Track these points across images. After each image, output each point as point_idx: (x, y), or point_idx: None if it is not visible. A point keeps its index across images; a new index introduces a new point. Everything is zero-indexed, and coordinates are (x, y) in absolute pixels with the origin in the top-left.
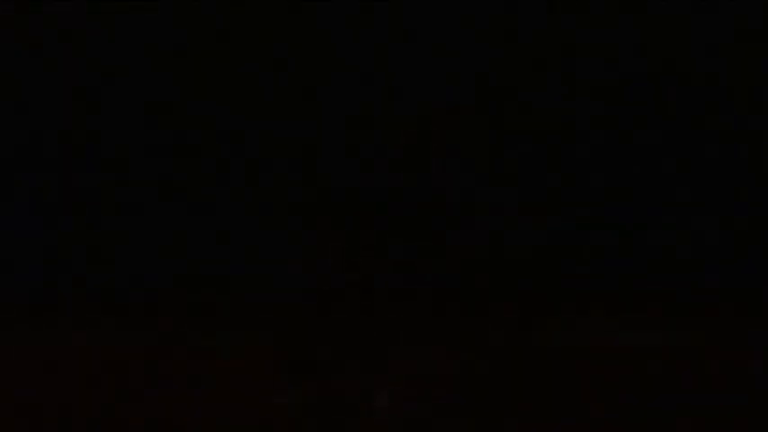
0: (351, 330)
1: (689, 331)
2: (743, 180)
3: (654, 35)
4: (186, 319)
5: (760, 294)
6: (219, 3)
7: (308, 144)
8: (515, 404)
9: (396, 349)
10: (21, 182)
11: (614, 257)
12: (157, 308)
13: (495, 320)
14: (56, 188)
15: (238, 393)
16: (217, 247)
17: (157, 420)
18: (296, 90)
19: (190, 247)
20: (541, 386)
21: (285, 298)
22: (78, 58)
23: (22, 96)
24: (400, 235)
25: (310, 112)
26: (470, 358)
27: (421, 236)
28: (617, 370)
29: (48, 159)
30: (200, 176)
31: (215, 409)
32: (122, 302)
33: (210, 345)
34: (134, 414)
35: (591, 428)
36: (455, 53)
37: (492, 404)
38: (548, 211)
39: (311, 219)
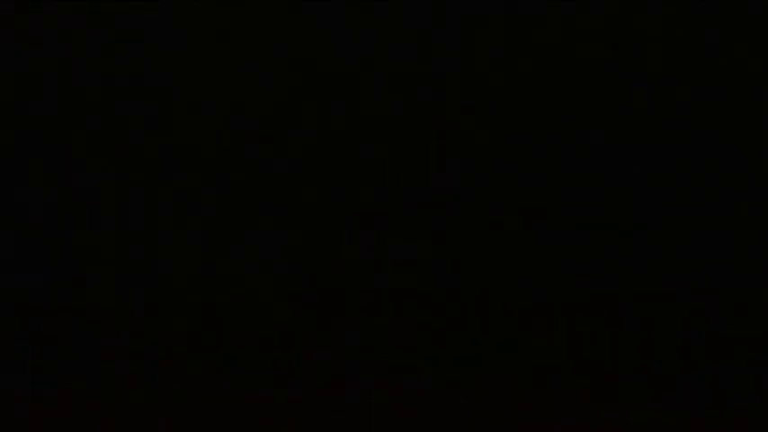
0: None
1: (689, 331)
2: (744, 180)
3: (653, 34)
4: (186, 319)
5: (760, 294)
6: (219, 3)
7: (308, 144)
8: (515, 404)
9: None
10: (20, 181)
11: (614, 258)
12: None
13: (494, 321)
14: (56, 188)
15: (239, 394)
16: (215, 247)
17: (158, 421)
18: (295, 90)
19: (189, 247)
20: (541, 386)
21: (283, 298)
22: (78, 58)
23: (22, 96)
24: (400, 235)
25: (310, 112)
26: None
27: (421, 236)
28: (616, 370)
29: (47, 159)
30: (199, 176)
31: (215, 411)
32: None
33: (210, 345)
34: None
35: (590, 428)
36: (455, 53)
37: (492, 404)
38: (548, 211)
39: (312, 219)
